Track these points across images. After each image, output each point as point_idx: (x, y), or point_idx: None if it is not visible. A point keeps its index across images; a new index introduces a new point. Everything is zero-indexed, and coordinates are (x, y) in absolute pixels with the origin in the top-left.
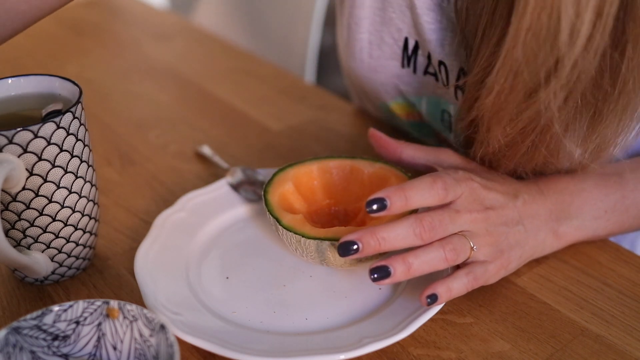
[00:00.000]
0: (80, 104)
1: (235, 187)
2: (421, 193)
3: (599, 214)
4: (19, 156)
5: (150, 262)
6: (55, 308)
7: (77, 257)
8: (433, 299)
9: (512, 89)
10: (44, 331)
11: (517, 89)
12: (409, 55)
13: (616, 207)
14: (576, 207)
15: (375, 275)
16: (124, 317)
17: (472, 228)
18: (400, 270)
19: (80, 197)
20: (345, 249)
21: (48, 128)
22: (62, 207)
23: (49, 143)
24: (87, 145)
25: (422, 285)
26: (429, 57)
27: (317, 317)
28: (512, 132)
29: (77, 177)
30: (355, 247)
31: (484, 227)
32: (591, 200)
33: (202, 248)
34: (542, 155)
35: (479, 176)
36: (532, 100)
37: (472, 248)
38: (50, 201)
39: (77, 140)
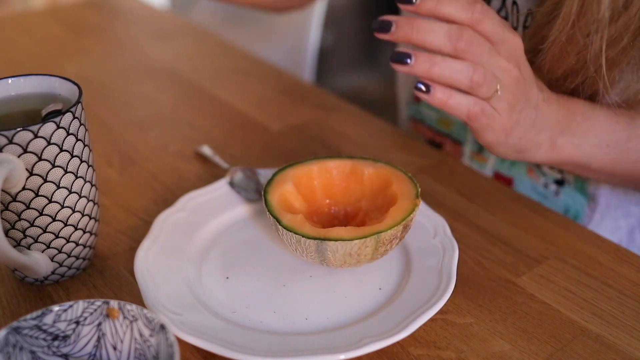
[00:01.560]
0: (80, 104)
1: (235, 187)
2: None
3: (600, 144)
4: (19, 156)
5: (150, 262)
6: (55, 308)
7: (77, 257)
8: (428, 87)
9: (579, 19)
10: (44, 331)
11: (583, 21)
12: None
13: (618, 145)
14: (582, 130)
15: (397, 59)
16: (124, 317)
17: (502, 77)
18: (422, 60)
19: (80, 197)
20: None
21: (48, 128)
22: (62, 207)
23: (49, 143)
24: (87, 145)
25: (422, 285)
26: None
27: (317, 317)
28: (572, 58)
29: (77, 177)
30: (390, 27)
31: (512, 84)
32: (598, 129)
33: (202, 248)
34: (596, 83)
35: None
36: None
37: (497, 90)
38: (50, 201)
39: (77, 140)
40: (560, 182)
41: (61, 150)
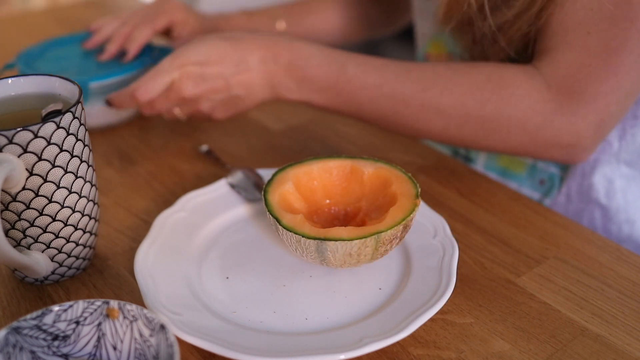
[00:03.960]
0: (80, 104)
1: (235, 187)
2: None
3: (315, 89)
4: (19, 156)
5: (150, 262)
6: (55, 308)
7: (77, 257)
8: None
9: None
10: (44, 331)
11: None
12: None
13: (330, 90)
14: (298, 78)
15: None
16: (124, 317)
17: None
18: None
19: (80, 197)
20: None
21: (48, 128)
22: (62, 207)
23: (49, 143)
24: (87, 145)
25: (422, 285)
26: None
27: (317, 317)
28: None
29: (77, 177)
30: (112, 103)
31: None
32: (311, 77)
33: (202, 248)
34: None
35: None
36: None
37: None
38: (50, 201)
39: (77, 140)
40: None
41: (61, 150)
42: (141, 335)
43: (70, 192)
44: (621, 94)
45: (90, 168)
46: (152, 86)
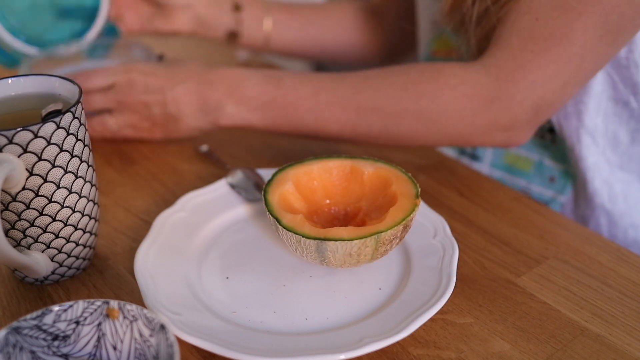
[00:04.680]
0: (80, 104)
1: (235, 187)
2: None
3: (253, 108)
4: (19, 156)
5: (150, 262)
6: (55, 308)
7: (77, 257)
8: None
9: None
10: (44, 331)
11: None
12: None
13: (268, 106)
14: (236, 99)
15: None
16: (124, 317)
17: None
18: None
19: (80, 197)
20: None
21: (48, 128)
22: (62, 207)
23: (49, 143)
24: (87, 145)
25: (422, 285)
26: None
27: (317, 317)
28: None
29: (77, 177)
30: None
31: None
32: (248, 95)
33: (202, 248)
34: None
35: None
36: None
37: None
38: (50, 201)
39: (77, 140)
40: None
41: (61, 150)
42: (141, 335)
43: (70, 192)
44: (559, 84)
45: (90, 168)
46: (94, 78)
